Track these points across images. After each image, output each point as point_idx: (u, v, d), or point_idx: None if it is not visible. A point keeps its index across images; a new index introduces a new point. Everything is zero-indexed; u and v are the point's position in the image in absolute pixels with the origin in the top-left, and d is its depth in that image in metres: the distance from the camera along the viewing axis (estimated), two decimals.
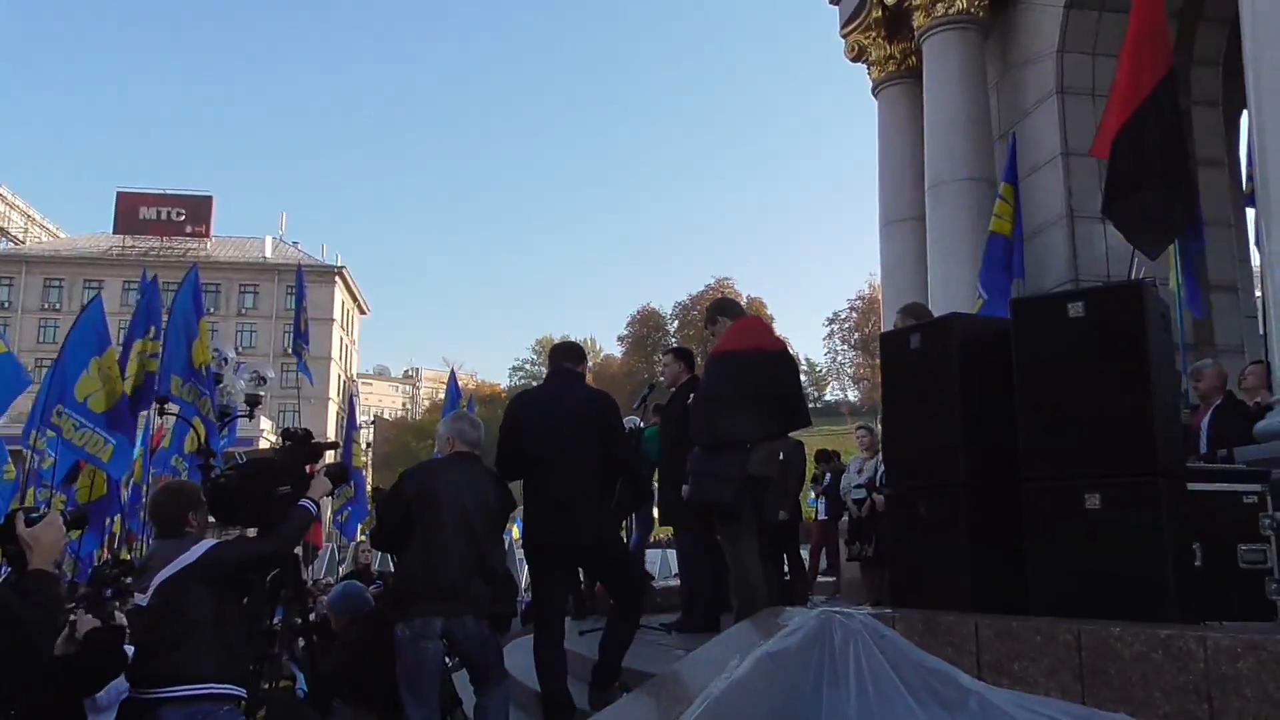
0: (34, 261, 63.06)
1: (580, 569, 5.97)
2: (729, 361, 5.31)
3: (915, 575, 4.06)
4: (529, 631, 5.48)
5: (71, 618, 3.57)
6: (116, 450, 10.45)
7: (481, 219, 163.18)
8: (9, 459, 14.93)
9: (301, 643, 5.76)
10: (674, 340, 78.61)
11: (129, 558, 11.34)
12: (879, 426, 6.65)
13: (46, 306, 61.23)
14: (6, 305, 61.39)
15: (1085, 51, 8.85)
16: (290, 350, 61.76)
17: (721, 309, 5.75)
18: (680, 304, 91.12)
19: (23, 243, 66.05)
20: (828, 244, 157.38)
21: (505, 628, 5.08)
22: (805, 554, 10.76)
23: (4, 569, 3.40)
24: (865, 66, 11.65)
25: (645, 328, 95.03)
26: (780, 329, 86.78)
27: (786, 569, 8.32)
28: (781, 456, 5.24)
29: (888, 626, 2.27)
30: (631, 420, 8.24)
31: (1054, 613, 3.31)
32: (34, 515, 3.03)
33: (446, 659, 4.81)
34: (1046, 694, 2.77)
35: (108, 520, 13.94)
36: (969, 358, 3.98)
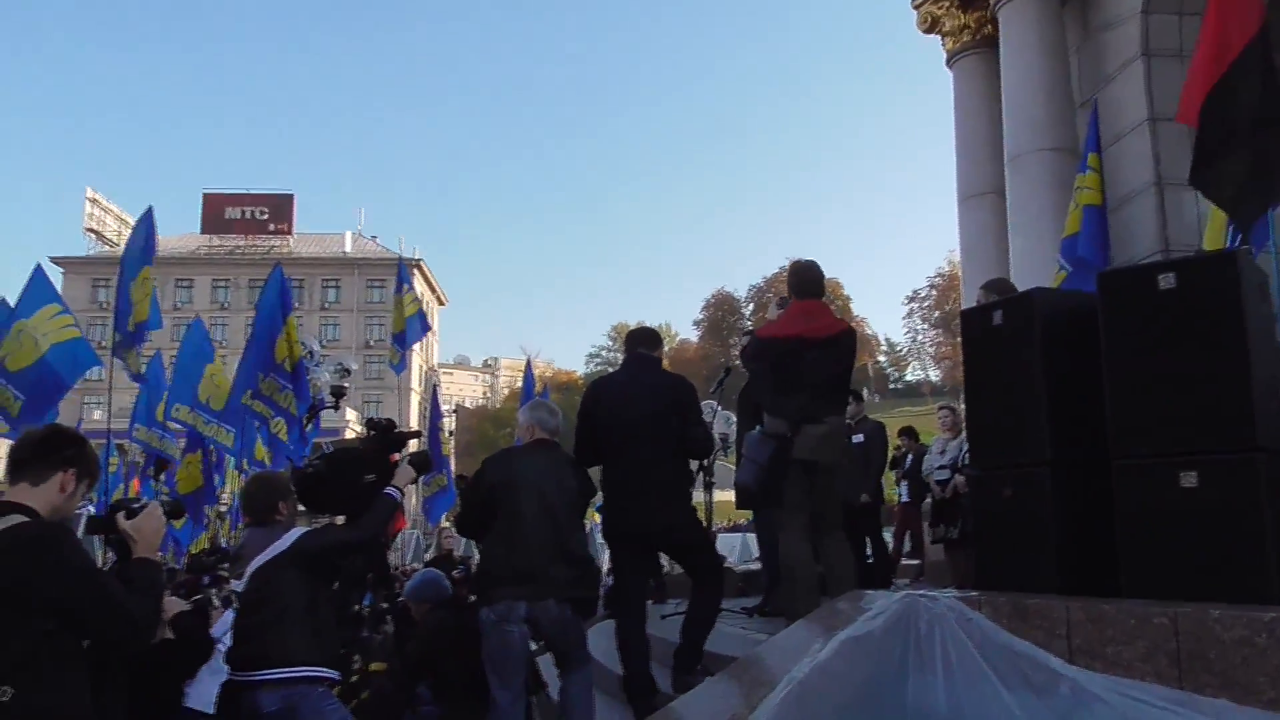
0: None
1: (660, 553, 6.00)
2: (767, 347, 5.36)
3: (1001, 557, 3.97)
4: (611, 616, 5.52)
5: (165, 598, 3.70)
6: (235, 438, 12.49)
7: (555, 207, 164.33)
8: (114, 452, 15.60)
9: (389, 628, 5.91)
10: (749, 323, 78.17)
11: (224, 545, 11.80)
12: (961, 406, 6.53)
13: None
14: (104, 305, 63.94)
15: (1171, 11, 8.48)
16: (372, 343, 63.10)
17: (793, 287, 5.65)
18: (755, 286, 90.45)
19: (117, 245, 68.62)
20: (906, 221, 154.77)
21: (588, 612, 5.12)
22: (888, 537, 10.63)
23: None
24: (939, 38, 11.38)
25: (720, 311, 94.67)
26: (858, 309, 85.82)
27: (869, 552, 8.22)
28: (829, 438, 5.18)
29: (973, 610, 2.23)
30: (709, 405, 8.24)
31: (1147, 595, 3.21)
32: (134, 506, 3.15)
33: (531, 643, 4.88)
34: (1141, 679, 2.69)
35: (205, 509, 14.52)
36: (1054, 333, 3.88)
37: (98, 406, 54.14)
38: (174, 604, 3.68)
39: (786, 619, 4.85)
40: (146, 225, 10.85)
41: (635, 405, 5.05)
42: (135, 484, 15.98)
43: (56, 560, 2.70)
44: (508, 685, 4.55)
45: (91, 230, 67.26)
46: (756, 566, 8.60)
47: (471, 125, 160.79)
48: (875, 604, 2.37)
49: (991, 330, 4.12)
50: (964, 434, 8.51)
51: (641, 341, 5.45)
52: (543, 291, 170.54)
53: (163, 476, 14.66)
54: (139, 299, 10.59)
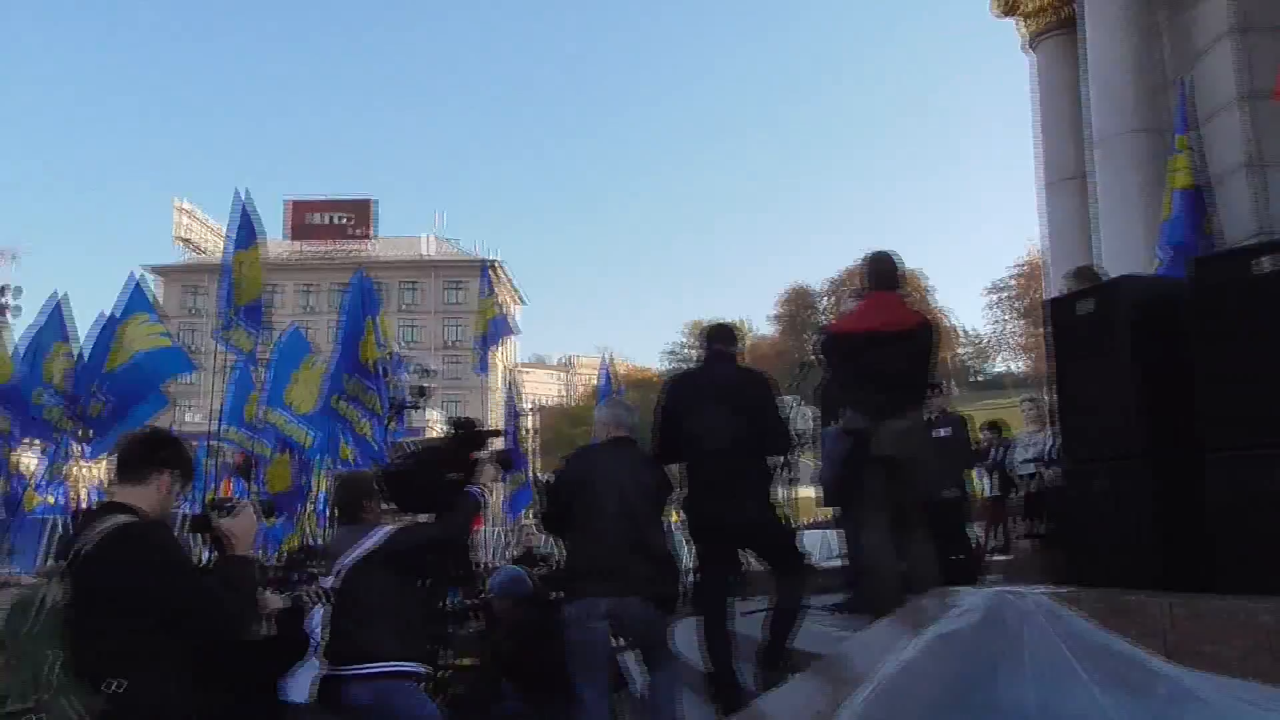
0: (218, 270, 67.51)
1: (743, 550, 5.98)
2: (841, 342, 5.33)
3: (1093, 553, 3.87)
4: (694, 613, 5.52)
5: (261, 594, 3.81)
6: (316, 441, 12.62)
7: (631, 203, 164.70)
8: (208, 453, 16.15)
9: (475, 624, 6.00)
10: (826, 317, 77.30)
11: (315, 543, 12.15)
12: (1048, 398, 6.36)
13: None
14: (194, 311, 66.22)
15: None
16: (451, 343, 63.96)
17: (868, 279, 5.57)
18: (831, 279, 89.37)
19: (206, 252, 70.95)
20: (987, 210, 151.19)
21: (670, 609, 5.13)
22: (976, 532, 10.42)
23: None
24: (1017, 20, 11.11)
25: (796, 305, 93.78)
26: (938, 300, 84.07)
27: (954, 549, 8.07)
28: (909, 433, 5.10)
29: (1064, 607, 2.18)
30: (787, 400, 8.16)
31: (1242, 590, 3.09)
32: (230, 505, 3.26)
33: (614, 639, 4.91)
34: (1242, 678, 2.60)
35: (298, 507, 14.96)
36: (1145, 321, 3.75)
37: (193, 409, 56.06)
38: (273, 600, 3.79)
39: (871, 617, 4.80)
40: (240, 209, 11.21)
41: (713, 402, 5.04)
42: (228, 484, 16.49)
43: (159, 558, 2.82)
44: (591, 681, 4.59)
45: (182, 239, 69.73)
46: (841, 563, 8.50)
47: (549, 125, 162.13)
48: (962, 601, 2.34)
49: (1078, 320, 4.01)
50: (1050, 427, 8.32)
51: (718, 338, 5.43)
52: (618, 289, 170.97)
53: (254, 476, 15.13)
54: (250, 278, 10.93)
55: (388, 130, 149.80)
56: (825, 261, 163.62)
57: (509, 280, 72.24)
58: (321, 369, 12.77)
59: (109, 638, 2.70)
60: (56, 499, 17.97)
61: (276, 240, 68.47)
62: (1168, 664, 2.34)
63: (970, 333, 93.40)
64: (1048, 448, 8.35)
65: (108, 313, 11.71)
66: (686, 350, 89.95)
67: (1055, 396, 4.42)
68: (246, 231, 11.09)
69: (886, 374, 5.05)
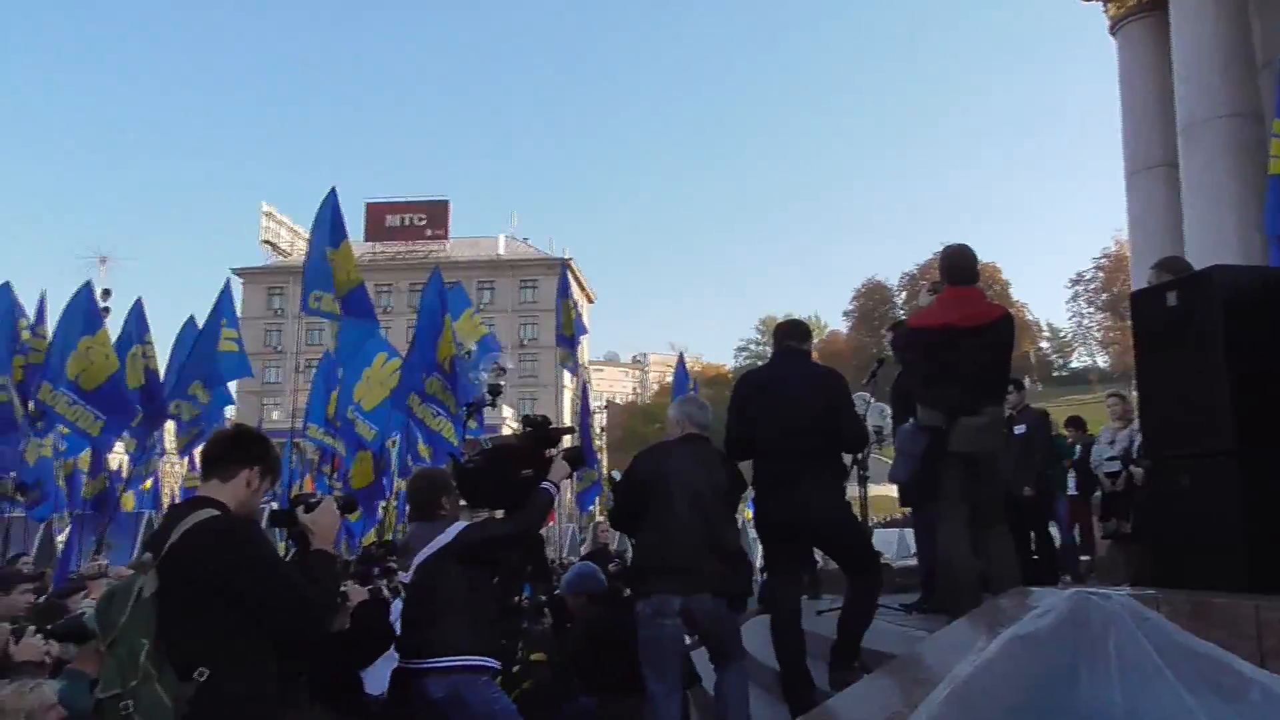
0: (300, 272, 69.39)
1: (815, 548, 5.93)
2: (917, 337, 5.26)
3: (1180, 553, 3.74)
4: (765, 611, 5.49)
5: (343, 589, 3.90)
6: (378, 434, 13.42)
7: (702, 200, 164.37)
8: (291, 449, 16.64)
9: (548, 620, 6.04)
10: (901, 313, 76.07)
11: (391, 539, 12.42)
12: (1133, 393, 6.17)
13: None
14: (280, 312, 68.09)
15: None
16: (526, 342, 64.63)
17: (945, 273, 5.46)
18: (907, 274, 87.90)
19: (290, 255, 72.85)
20: (1068, 201, 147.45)
21: (741, 606, 5.11)
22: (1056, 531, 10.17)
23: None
24: (1100, 3, 10.78)
25: (871, 301, 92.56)
26: (1017, 294, 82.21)
27: (1034, 548, 7.88)
28: (987, 430, 4.98)
29: (1150, 609, 2.10)
30: (862, 397, 8.07)
31: None
32: (312, 501, 3.33)
33: (685, 636, 4.91)
34: None
35: (378, 503, 15.29)
36: (1236, 313, 3.61)
37: (276, 407, 57.63)
38: (356, 593, 3.87)
39: (947, 616, 4.72)
40: (332, 204, 11.51)
41: (785, 399, 5.00)
42: (309, 480, 16.93)
43: (245, 552, 2.90)
44: (662, 678, 4.59)
45: (267, 242, 71.74)
46: (915, 562, 8.38)
47: (618, 123, 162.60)
48: (1042, 602, 2.27)
49: (1166, 312, 3.89)
50: (1135, 423, 8.07)
51: (790, 334, 5.38)
52: (690, 285, 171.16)
53: (335, 472, 15.51)
54: (345, 270, 11.11)
55: (463, 132, 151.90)
56: (901, 256, 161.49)
57: (581, 278, 72.70)
58: (394, 366, 13.05)
59: (196, 628, 2.79)
60: (146, 495, 18.65)
61: (355, 242, 69.95)
62: (1262, 670, 2.24)
63: (1051, 327, 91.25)
64: (1133, 445, 8.10)
65: (197, 316, 12.17)
66: (759, 347, 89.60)
67: (1140, 391, 4.29)
68: (337, 230, 11.38)
69: (964, 369, 4.96)
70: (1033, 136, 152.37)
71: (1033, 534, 7.91)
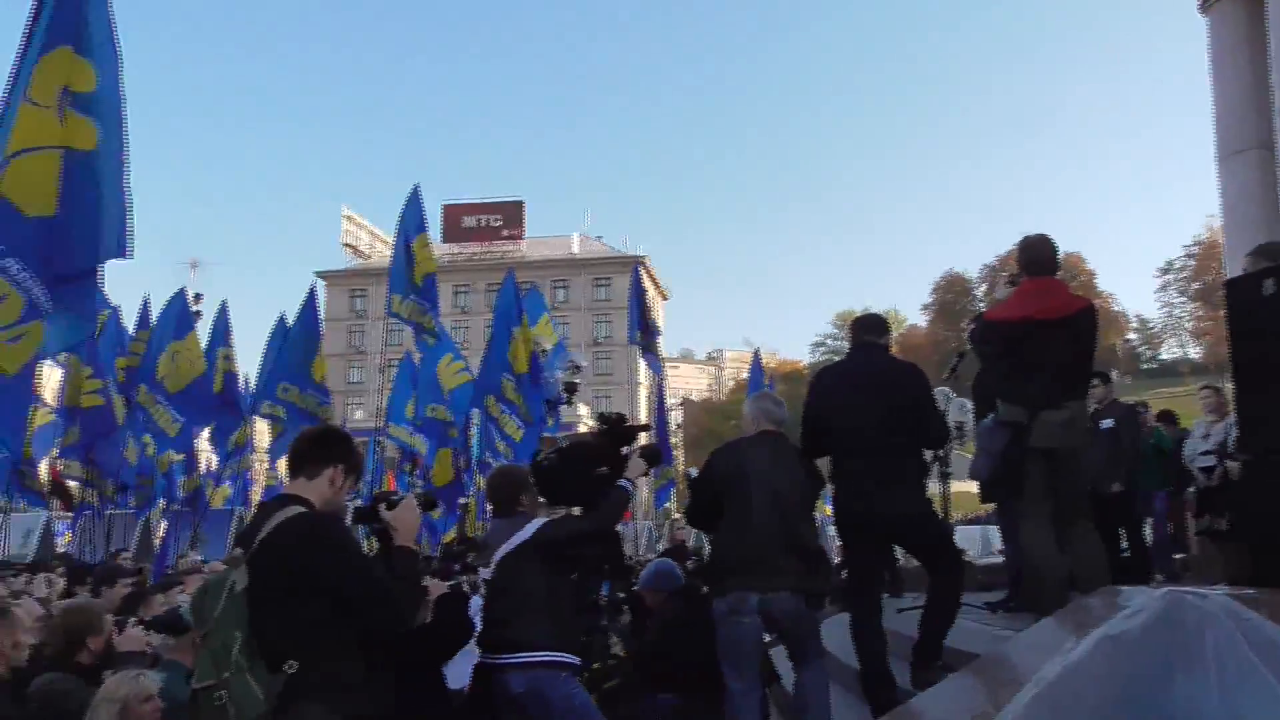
0: (380, 274, 70.99)
1: (895, 545, 5.85)
2: (995, 330, 5.14)
3: (1275, 551, 3.60)
4: (845, 609, 5.43)
5: (424, 583, 3.96)
6: (460, 430, 13.98)
7: (776, 195, 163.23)
8: (374, 448, 17.04)
9: (626, 618, 6.06)
10: (981, 305, 74.46)
11: (473, 535, 12.62)
12: (1227, 385, 5.95)
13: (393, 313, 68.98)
14: (361, 314, 69.68)
15: None
16: (600, 340, 65.04)
17: (1023, 264, 5.31)
18: (988, 266, 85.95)
19: (370, 258, 74.46)
20: (1155, 187, 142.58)
21: (820, 604, 5.06)
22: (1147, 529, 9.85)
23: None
24: None
25: (951, 293, 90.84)
26: (1103, 285, 79.84)
27: (1125, 545, 7.65)
28: (1070, 425, 4.84)
29: (1249, 609, 2.02)
30: (943, 392, 7.94)
31: None
32: (394, 498, 3.40)
33: (765, 634, 4.88)
34: None
35: (458, 500, 15.57)
36: None
37: (360, 407, 58.99)
38: (437, 587, 3.94)
39: (1033, 616, 4.61)
40: (416, 201, 11.83)
41: (863, 394, 4.93)
42: (391, 477, 17.31)
43: (330, 548, 2.97)
44: (741, 675, 4.58)
45: (348, 245, 73.49)
46: (999, 560, 8.20)
47: (691, 120, 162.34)
48: (1133, 601, 2.21)
49: (1264, 300, 3.74)
50: (1230, 416, 7.77)
51: (868, 328, 5.31)
52: (765, 281, 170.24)
53: (416, 470, 15.83)
54: (422, 258, 11.49)
55: (537, 131, 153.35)
56: (980, 247, 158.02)
57: (655, 276, 72.81)
58: (458, 368, 13.42)
59: (284, 621, 2.87)
60: (236, 492, 19.28)
61: (435, 244, 71.32)
62: None
63: (1139, 318, 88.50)
64: (1228, 438, 7.81)
65: (285, 319, 12.61)
66: (836, 342, 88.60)
67: (1235, 383, 4.13)
68: (418, 222, 11.75)
69: (1045, 363, 4.84)
70: (1118, 122, 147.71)
71: (1123, 531, 7.68)
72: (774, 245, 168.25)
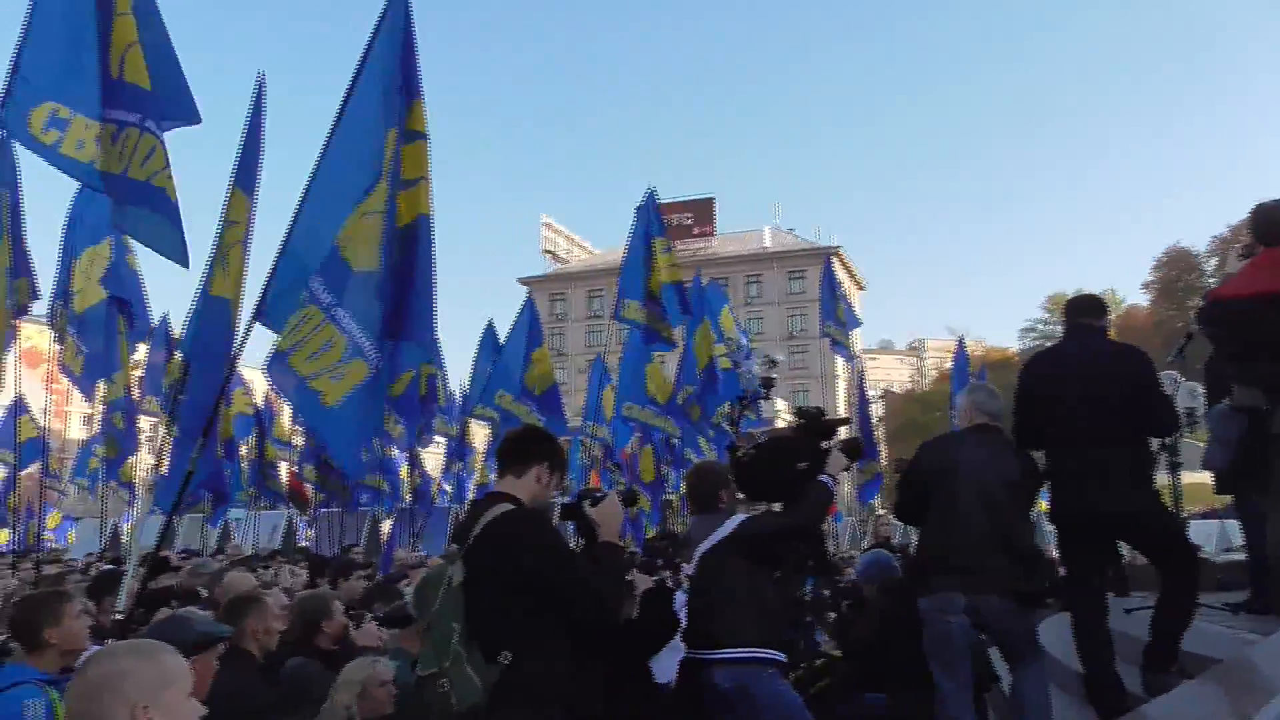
0: (578, 277, 73.50)
1: (1120, 542, 5.48)
2: (1228, 308, 4.71)
3: None
4: (1066, 609, 5.13)
5: (629, 578, 4.05)
6: (684, 431, 13.70)
7: (974, 178, 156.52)
8: (581, 448, 17.60)
9: (832, 615, 5.98)
10: (1212, 281, 68.46)
11: (675, 531, 12.81)
12: None
13: (590, 315, 71.08)
14: (562, 317, 72.10)
15: None
16: (795, 333, 64.47)
17: (1258, 234, 4.84)
18: (1218, 237, 78.91)
19: (567, 262, 76.87)
20: None
21: (1036, 605, 4.81)
22: None
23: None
24: None
25: (1175, 270, 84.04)
26: None
27: None
28: None
29: None
30: (1170, 376, 7.37)
31: None
32: (598, 495, 3.50)
33: (981, 634, 4.70)
34: None
35: (660, 497, 15.90)
36: None
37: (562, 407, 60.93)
38: (642, 582, 4.03)
39: None
40: (651, 206, 11.87)
41: (1081, 381, 4.65)
42: (595, 475, 17.79)
43: (539, 543, 3.09)
44: (952, 675, 4.43)
45: (547, 251, 76.21)
46: (1239, 557, 7.53)
47: (882, 105, 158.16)
48: None
49: None
50: None
51: (1084, 310, 5.00)
52: (967, 266, 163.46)
53: (618, 467, 16.23)
54: (663, 262, 11.55)
55: (725, 127, 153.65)
56: (1208, 218, 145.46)
57: (851, 266, 71.37)
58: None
59: (498, 615, 3.01)
60: (453, 491, 20.43)
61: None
62: None
63: None
64: None
65: (494, 326, 13.22)
66: (1047, 326, 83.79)
67: None
68: (656, 226, 11.64)
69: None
70: None
71: None
72: (976, 228, 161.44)
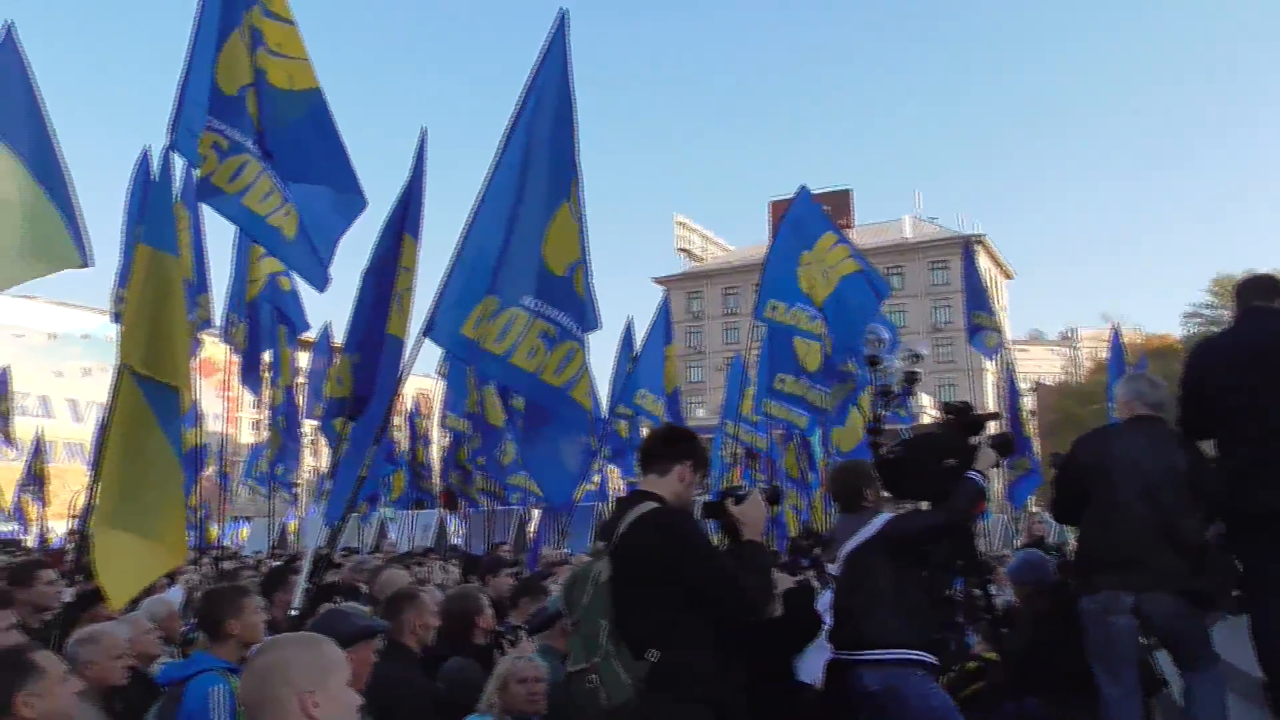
0: (714, 275, 73.49)
1: None
2: None
3: None
4: (1245, 611, 4.80)
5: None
6: (811, 421, 13.47)
7: (1127, 159, 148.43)
8: (722, 446, 17.60)
9: (986, 616, 5.77)
10: None
11: (820, 530, 12.65)
12: None
13: (727, 312, 70.94)
14: (699, 315, 72.21)
15: None
16: (940, 325, 62.72)
17: None
18: None
19: (703, 260, 76.89)
20: None
21: (1209, 605, 4.52)
22: None
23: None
24: None
25: None
26: None
27: None
28: None
29: None
30: None
31: None
32: (740, 493, 3.49)
33: (1145, 637, 4.45)
34: None
35: (803, 495, 15.73)
36: None
37: (701, 405, 61.06)
38: (783, 580, 4.00)
39: None
40: (802, 203, 11.46)
41: (1258, 366, 4.34)
42: (737, 473, 17.72)
43: (684, 541, 3.11)
44: (1117, 680, 4.21)
45: (682, 250, 76.48)
46: None
47: (1022, 84, 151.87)
48: None
49: None
50: None
51: (1258, 291, 4.65)
52: (1122, 252, 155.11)
53: (758, 465, 16.12)
54: (818, 273, 11.20)
55: (859, 117, 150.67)
56: None
57: (997, 254, 68.81)
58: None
59: (643, 612, 3.04)
60: (595, 489, 20.76)
61: (762, 245, 72.31)
62: None
63: None
64: None
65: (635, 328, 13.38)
66: (1214, 311, 78.60)
67: None
68: (817, 226, 11.15)
69: None
70: None
71: None
72: (1132, 209, 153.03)
